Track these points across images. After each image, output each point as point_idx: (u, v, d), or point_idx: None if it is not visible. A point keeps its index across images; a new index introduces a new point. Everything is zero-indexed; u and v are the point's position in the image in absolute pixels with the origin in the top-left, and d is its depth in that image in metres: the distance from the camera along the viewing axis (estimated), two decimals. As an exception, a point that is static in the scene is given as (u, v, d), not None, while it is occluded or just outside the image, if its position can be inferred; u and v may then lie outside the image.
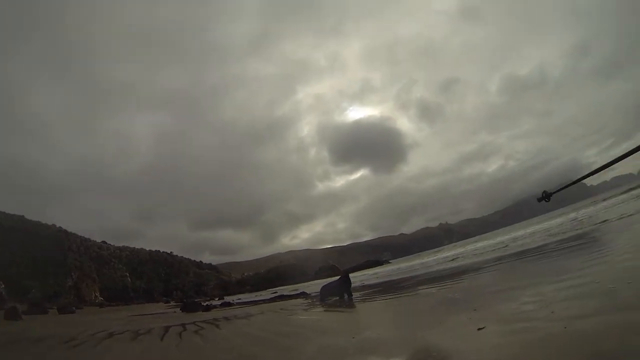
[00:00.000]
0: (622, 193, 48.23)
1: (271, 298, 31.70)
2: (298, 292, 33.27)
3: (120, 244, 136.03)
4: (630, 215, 19.07)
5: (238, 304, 32.17)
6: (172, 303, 64.19)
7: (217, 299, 61.28)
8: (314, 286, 41.08)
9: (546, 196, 3.42)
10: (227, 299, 52.74)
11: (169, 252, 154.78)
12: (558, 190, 3.40)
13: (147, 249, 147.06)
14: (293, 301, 24.06)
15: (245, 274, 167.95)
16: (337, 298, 18.51)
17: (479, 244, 50.14)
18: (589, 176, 3.03)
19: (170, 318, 21.66)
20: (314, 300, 21.30)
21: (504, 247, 30.32)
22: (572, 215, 41.28)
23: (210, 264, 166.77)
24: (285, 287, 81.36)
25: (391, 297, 15.30)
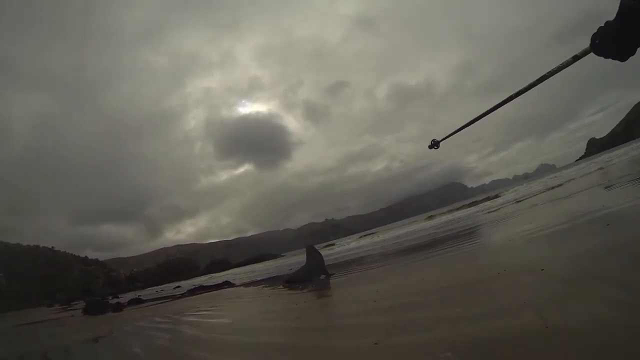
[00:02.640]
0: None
1: (191, 290, 26.21)
2: (220, 282, 28.30)
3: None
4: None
5: (151, 300, 26.16)
6: (58, 306, 54.53)
7: (111, 297, 51.43)
8: (207, 280, 40.30)
9: (435, 144, 3.20)
10: (124, 297, 44.91)
11: (49, 247, 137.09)
12: (445, 138, 3.15)
13: (25, 244, 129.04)
14: (239, 289, 18.93)
15: (135, 270, 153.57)
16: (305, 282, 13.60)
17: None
18: (473, 122, 2.81)
19: (75, 325, 15.90)
20: (272, 285, 16.44)
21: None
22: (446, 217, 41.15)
23: (97, 260, 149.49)
24: (181, 281, 74.35)
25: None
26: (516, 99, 2.40)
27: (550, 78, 2.11)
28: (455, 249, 11.59)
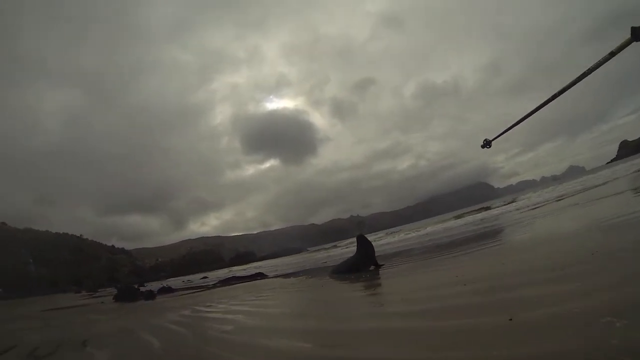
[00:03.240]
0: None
1: (223, 281, 25.24)
2: (253, 272, 27.34)
3: (22, 226, 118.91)
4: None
5: (182, 290, 25.25)
6: (85, 292, 54.29)
7: (136, 285, 50.77)
8: (236, 271, 40.28)
9: (487, 143, 3.42)
10: (149, 285, 44.20)
11: (78, 235, 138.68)
12: (497, 137, 3.40)
13: (53, 231, 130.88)
14: (278, 280, 17.76)
15: (159, 260, 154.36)
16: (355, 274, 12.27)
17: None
18: (522, 121, 3.00)
19: (109, 312, 15.00)
20: (319, 277, 15.21)
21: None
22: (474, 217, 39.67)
23: (123, 249, 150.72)
24: (207, 272, 73.80)
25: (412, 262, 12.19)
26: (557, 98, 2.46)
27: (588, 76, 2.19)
28: (501, 242, 11.34)
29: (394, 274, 10.03)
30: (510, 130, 3.38)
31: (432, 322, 4.12)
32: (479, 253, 9.94)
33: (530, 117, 2.96)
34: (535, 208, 23.34)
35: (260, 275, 24.69)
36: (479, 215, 38.35)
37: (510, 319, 3.44)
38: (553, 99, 2.60)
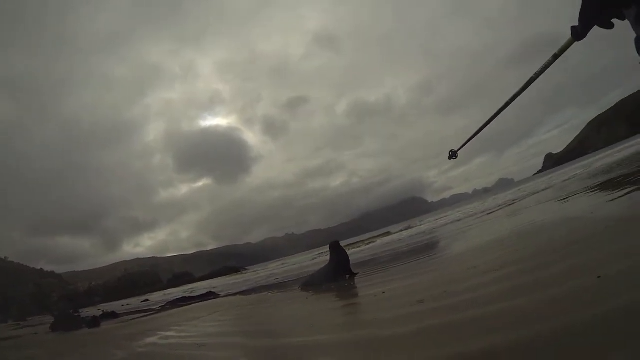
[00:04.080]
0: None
1: (172, 302, 23.26)
2: (204, 292, 25.75)
3: None
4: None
5: (128, 314, 23.04)
6: (12, 322, 49.42)
7: (71, 311, 46.17)
8: (177, 293, 38.49)
9: (453, 154, 3.49)
10: (84, 312, 40.58)
11: (2, 257, 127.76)
12: (462, 147, 3.45)
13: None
14: (238, 298, 16.28)
15: (93, 283, 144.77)
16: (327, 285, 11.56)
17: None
18: (484, 127, 3.08)
19: (50, 345, 13.11)
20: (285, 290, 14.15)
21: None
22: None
23: (53, 272, 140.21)
24: (147, 295, 70.03)
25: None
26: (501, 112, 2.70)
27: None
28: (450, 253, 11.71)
29: (375, 281, 9.30)
30: (474, 138, 3.43)
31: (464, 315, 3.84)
32: (436, 260, 10.37)
33: (487, 125, 3.06)
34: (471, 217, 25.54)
35: (212, 295, 23.20)
36: (419, 229, 39.07)
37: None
38: (506, 107, 2.71)
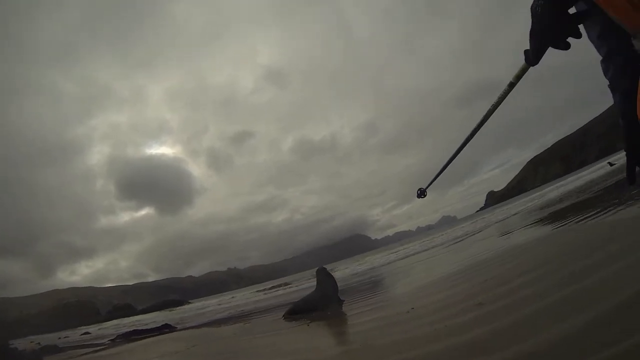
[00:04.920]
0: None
1: (123, 336, 21.02)
2: (159, 325, 23.71)
3: None
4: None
5: (72, 348, 20.61)
6: None
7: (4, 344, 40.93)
8: (117, 327, 34.58)
9: (422, 192, 3.56)
10: (14, 343, 36.49)
11: None
12: (429, 185, 3.55)
13: None
14: (210, 329, 14.65)
15: (24, 312, 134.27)
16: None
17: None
18: (451, 161, 3.04)
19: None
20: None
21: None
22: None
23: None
24: (87, 327, 65.39)
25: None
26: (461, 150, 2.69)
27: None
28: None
29: (362, 310, 8.74)
30: (440, 176, 3.50)
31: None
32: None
33: (451, 162, 3.09)
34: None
35: (168, 327, 21.26)
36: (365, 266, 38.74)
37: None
38: (467, 142, 2.73)
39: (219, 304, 43.77)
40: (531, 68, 1.85)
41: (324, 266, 13.13)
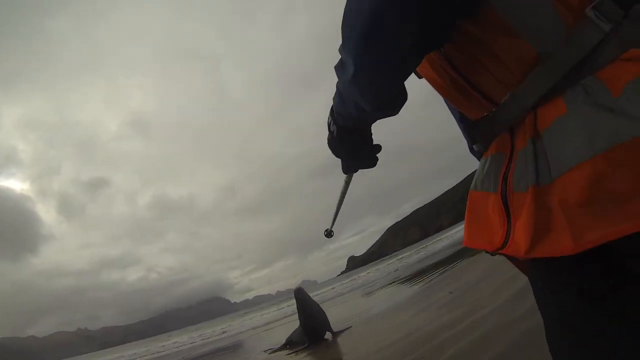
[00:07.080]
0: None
1: None
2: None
3: None
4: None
5: None
6: None
7: None
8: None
9: (329, 233, 2.37)
10: None
11: None
12: (333, 224, 2.36)
13: None
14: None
15: None
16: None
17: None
18: (342, 202, 2.20)
19: None
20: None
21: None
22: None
23: None
24: None
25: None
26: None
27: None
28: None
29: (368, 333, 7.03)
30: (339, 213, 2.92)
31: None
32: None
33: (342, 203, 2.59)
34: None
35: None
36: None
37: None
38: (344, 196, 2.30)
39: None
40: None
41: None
